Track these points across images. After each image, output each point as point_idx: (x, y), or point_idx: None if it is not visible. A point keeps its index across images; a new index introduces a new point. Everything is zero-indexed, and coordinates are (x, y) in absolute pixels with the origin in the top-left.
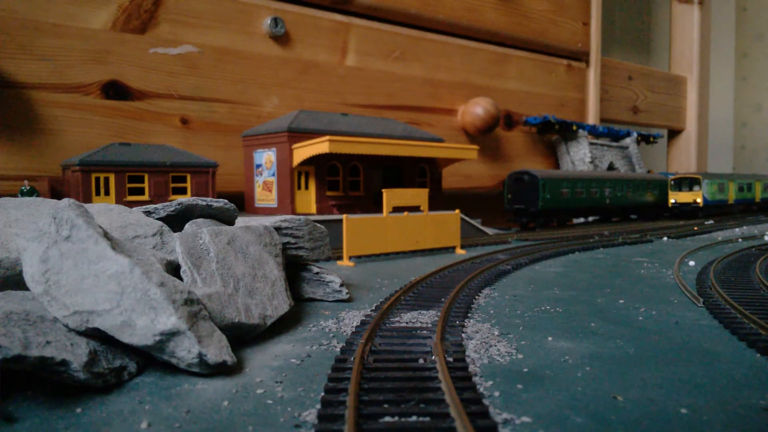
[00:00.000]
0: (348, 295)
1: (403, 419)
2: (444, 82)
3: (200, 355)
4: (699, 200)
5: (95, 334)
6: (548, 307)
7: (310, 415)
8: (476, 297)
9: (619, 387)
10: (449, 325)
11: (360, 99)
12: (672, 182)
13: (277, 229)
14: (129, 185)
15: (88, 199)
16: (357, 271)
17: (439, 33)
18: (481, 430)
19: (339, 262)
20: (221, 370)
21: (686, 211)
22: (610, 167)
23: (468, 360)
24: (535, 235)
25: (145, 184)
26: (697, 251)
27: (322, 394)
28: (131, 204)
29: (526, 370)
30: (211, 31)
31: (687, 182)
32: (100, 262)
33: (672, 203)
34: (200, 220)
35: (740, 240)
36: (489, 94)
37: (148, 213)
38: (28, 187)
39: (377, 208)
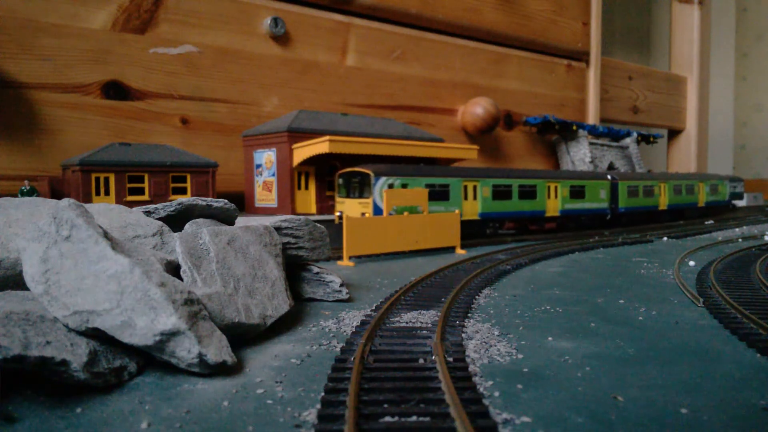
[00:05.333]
0: (348, 295)
1: (403, 419)
2: (444, 82)
3: (200, 355)
4: (368, 214)
5: (95, 334)
6: (548, 307)
7: (310, 415)
8: (476, 297)
9: (619, 387)
10: (449, 325)
11: (360, 99)
12: (340, 180)
13: (277, 229)
14: (129, 185)
15: (88, 199)
16: (357, 271)
17: (439, 33)
18: (481, 430)
19: (339, 262)
20: (221, 370)
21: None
22: (610, 167)
23: (468, 360)
24: (534, 235)
25: (145, 184)
26: (697, 251)
27: (322, 394)
28: (131, 204)
29: (526, 370)
30: (211, 31)
31: (357, 181)
32: (100, 262)
33: (337, 216)
34: (200, 220)
35: (740, 240)
36: (489, 94)
37: (148, 213)
38: (28, 187)
39: None
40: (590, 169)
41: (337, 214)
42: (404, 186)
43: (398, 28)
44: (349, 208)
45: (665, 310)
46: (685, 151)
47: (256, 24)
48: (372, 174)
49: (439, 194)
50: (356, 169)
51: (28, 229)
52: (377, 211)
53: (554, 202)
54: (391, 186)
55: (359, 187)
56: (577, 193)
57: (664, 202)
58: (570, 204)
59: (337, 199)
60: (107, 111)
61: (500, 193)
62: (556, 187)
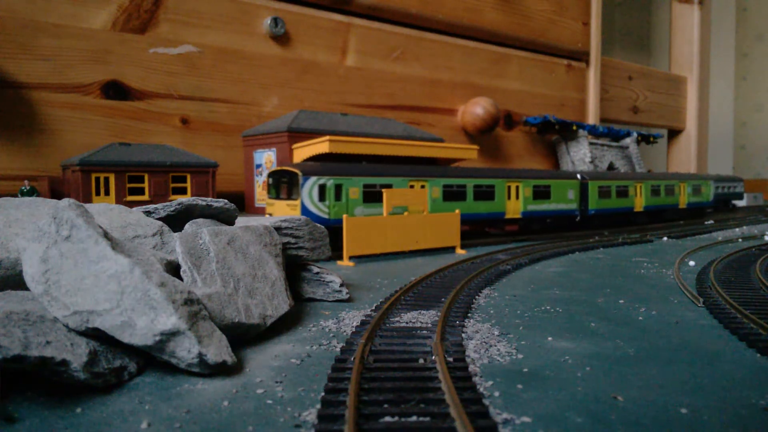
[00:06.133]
0: (348, 295)
1: (403, 419)
2: (444, 82)
3: (200, 355)
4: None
5: (95, 334)
6: (548, 307)
7: (310, 415)
8: (476, 297)
9: (619, 387)
10: (449, 325)
11: (360, 99)
12: (270, 180)
13: (277, 229)
14: (129, 185)
15: (88, 199)
16: (357, 271)
17: (439, 33)
18: (481, 430)
19: (339, 262)
20: (221, 370)
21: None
22: (610, 167)
23: (468, 360)
24: (534, 235)
25: (145, 184)
26: (697, 251)
27: (322, 394)
28: (131, 204)
29: (526, 370)
30: (211, 31)
31: (285, 181)
32: (100, 262)
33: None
34: (200, 220)
35: (740, 240)
36: (489, 94)
37: (148, 213)
38: (28, 187)
39: None
40: (590, 169)
41: (268, 215)
42: (338, 186)
43: (398, 28)
44: (278, 210)
45: (665, 310)
46: (685, 151)
47: (256, 24)
48: (300, 173)
49: (379, 196)
50: (285, 168)
51: (28, 229)
52: (306, 215)
53: (515, 204)
54: (322, 187)
55: (288, 188)
56: (541, 193)
57: (640, 203)
58: (533, 205)
59: (267, 200)
60: (107, 111)
61: (452, 194)
62: (517, 187)
